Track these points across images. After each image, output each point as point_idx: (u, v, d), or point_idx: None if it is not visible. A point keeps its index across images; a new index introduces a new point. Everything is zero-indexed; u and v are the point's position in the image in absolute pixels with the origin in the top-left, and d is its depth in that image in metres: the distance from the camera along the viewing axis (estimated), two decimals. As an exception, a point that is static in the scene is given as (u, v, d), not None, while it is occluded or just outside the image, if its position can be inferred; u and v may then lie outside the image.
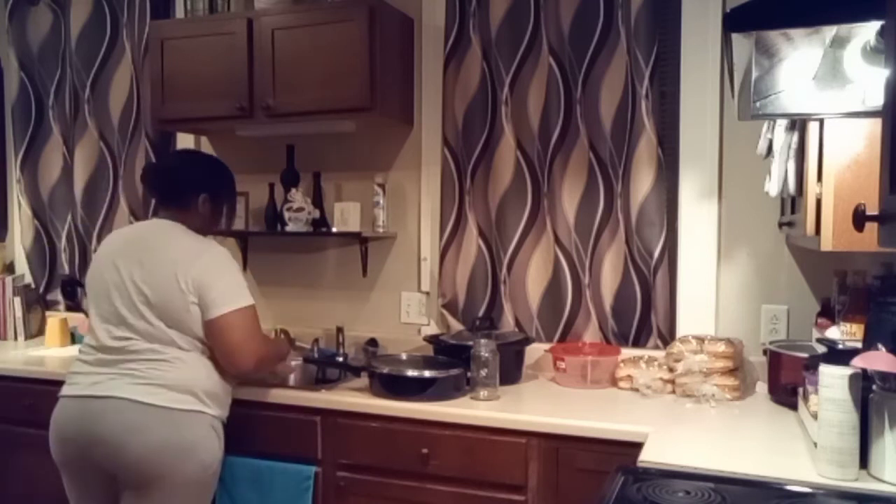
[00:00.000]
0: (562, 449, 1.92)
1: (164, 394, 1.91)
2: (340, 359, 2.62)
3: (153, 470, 1.88)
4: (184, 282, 1.93)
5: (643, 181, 2.37)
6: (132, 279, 1.96)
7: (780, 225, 2.11)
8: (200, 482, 1.97)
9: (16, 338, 3.12)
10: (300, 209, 2.65)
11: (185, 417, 1.92)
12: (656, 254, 2.37)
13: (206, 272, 1.95)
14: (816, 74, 1.42)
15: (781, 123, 1.78)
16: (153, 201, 2.13)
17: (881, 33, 1.24)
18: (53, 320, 2.97)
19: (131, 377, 1.92)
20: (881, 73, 1.19)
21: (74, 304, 3.18)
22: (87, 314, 2.15)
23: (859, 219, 1.02)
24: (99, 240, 3.11)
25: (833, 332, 1.87)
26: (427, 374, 2.13)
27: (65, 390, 2.00)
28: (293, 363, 2.49)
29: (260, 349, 2.01)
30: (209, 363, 2.00)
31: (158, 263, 1.96)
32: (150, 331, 1.94)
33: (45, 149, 3.25)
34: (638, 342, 2.45)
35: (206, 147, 3.02)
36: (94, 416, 1.91)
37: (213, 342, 1.97)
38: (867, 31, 1.31)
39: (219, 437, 2.02)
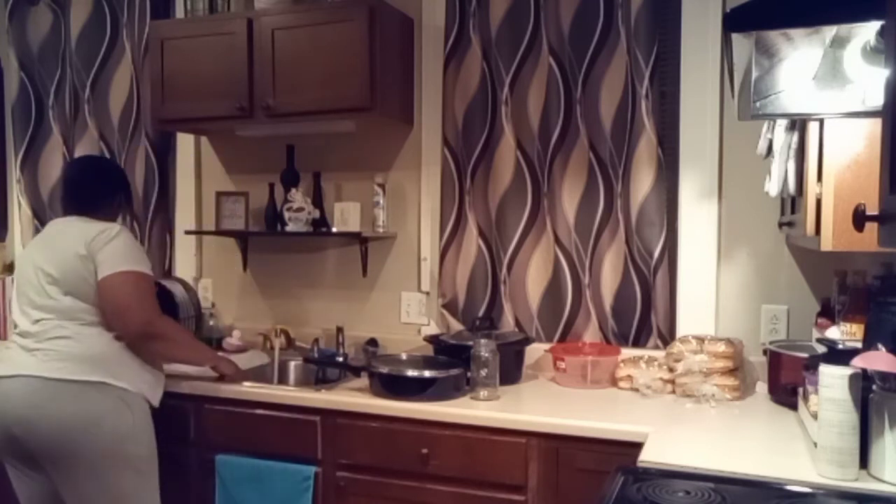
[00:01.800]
0: (562, 449, 1.92)
1: (68, 367, 1.98)
2: (340, 359, 2.62)
3: (64, 444, 1.95)
4: (84, 250, 2.04)
5: (643, 181, 2.37)
6: (38, 266, 2.08)
7: (780, 225, 2.11)
8: (119, 455, 2.01)
9: (16, 338, 3.12)
10: (300, 209, 2.65)
11: (89, 389, 1.98)
12: (656, 254, 2.37)
13: (102, 242, 2.06)
14: (816, 74, 1.42)
15: (781, 123, 1.78)
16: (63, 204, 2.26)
17: (881, 33, 1.24)
18: (53, 320, 2.97)
19: (37, 355, 2.01)
20: (881, 73, 1.19)
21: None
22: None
23: (859, 219, 1.02)
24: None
25: (833, 332, 1.87)
26: (427, 374, 2.13)
27: None
28: (232, 357, 2.47)
29: (148, 314, 2.06)
30: (113, 335, 2.06)
31: (61, 244, 2.08)
32: (59, 307, 2.04)
33: (45, 149, 3.25)
34: (638, 342, 2.45)
35: (206, 147, 3.02)
36: (3, 395, 1.99)
37: (102, 303, 2.04)
38: (867, 31, 1.31)
39: (131, 409, 2.04)
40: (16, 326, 2.12)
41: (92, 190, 2.23)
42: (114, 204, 2.26)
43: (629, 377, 2.26)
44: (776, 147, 1.80)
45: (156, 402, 2.14)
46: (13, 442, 1.99)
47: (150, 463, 2.10)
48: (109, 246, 2.06)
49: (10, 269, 3.34)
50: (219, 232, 2.85)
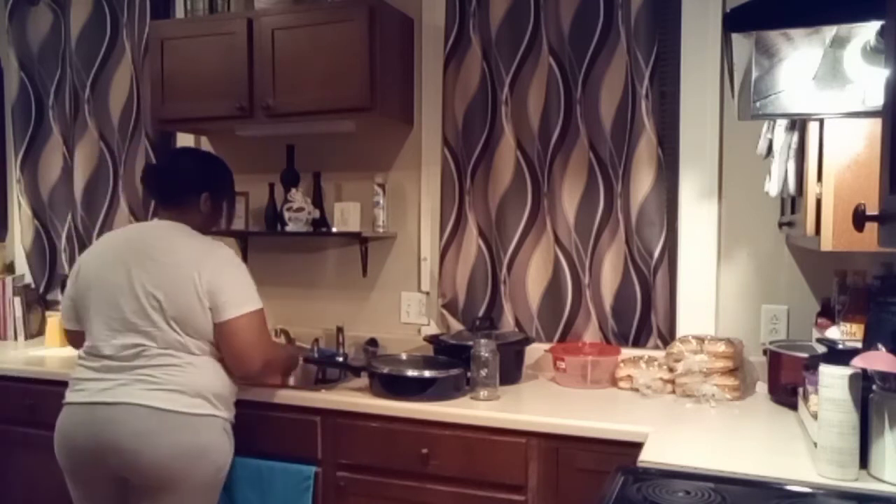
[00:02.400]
0: (562, 449, 1.92)
1: (178, 399, 1.90)
2: (340, 359, 2.62)
3: (169, 474, 1.88)
4: (196, 284, 1.91)
5: (643, 181, 2.37)
6: (142, 284, 1.93)
7: (780, 225, 2.11)
8: (212, 484, 1.98)
9: (16, 338, 3.12)
10: (300, 209, 2.65)
11: (198, 422, 1.92)
12: (656, 254, 2.37)
13: (217, 274, 1.94)
14: (816, 74, 1.42)
15: (781, 123, 1.78)
16: (153, 202, 2.10)
17: (881, 33, 1.24)
18: (53, 320, 2.97)
19: (143, 383, 1.90)
20: (881, 73, 1.19)
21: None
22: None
23: (859, 219, 1.02)
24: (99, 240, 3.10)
25: (833, 332, 1.87)
26: (427, 374, 2.13)
27: (70, 397, 1.97)
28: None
29: (267, 352, 2.02)
30: (219, 366, 2.00)
31: (168, 267, 1.94)
32: (162, 336, 1.92)
33: (45, 149, 3.25)
34: (638, 342, 2.45)
35: (206, 147, 3.01)
36: (105, 422, 1.88)
37: (223, 344, 1.96)
38: (867, 31, 1.31)
39: (230, 439, 2.03)
40: (96, 342, 1.95)
41: (172, 185, 2.08)
42: (200, 203, 2.09)
43: (629, 377, 2.26)
44: (776, 147, 1.80)
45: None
46: (103, 468, 1.90)
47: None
48: (227, 277, 1.94)
49: (10, 269, 3.35)
50: (219, 232, 2.85)
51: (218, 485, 2.01)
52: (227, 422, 2.03)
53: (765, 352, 2.15)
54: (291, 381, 2.62)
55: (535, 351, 2.47)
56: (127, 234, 2.11)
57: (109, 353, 1.94)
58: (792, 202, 1.99)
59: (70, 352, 2.83)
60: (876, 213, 1.01)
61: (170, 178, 2.12)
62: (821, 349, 1.85)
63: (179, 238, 2.01)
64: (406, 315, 2.75)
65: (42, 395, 2.48)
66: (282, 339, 2.66)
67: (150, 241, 2.01)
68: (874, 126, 1.48)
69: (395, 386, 2.14)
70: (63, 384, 2.03)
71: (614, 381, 2.30)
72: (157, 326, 1.92)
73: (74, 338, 2.12)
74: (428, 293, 2.71)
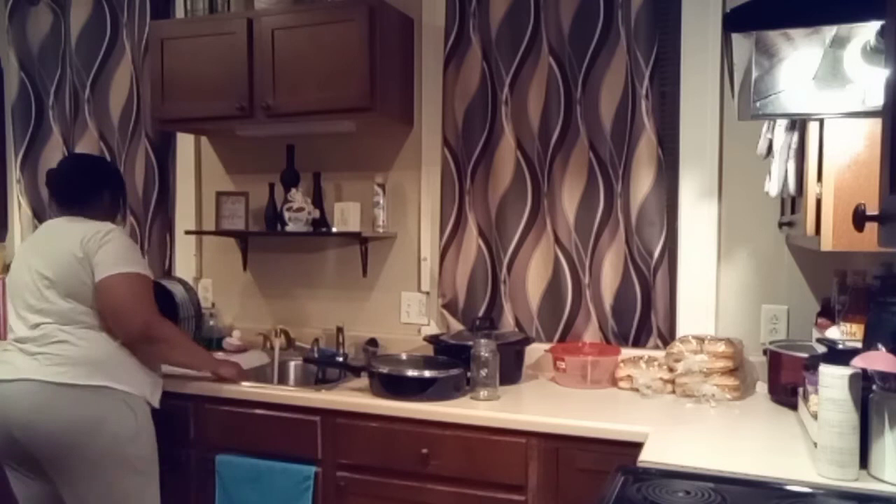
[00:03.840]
0: (562, 449, 1.92)
1: (70, 371, 1.98)
2: (340, 359, 2.62)
3: (66, 447, 1.95)
4: (81, 252, 2.02)
5: (643, 181, 2.37)
6: (35, 269, 2.06)
7: (780, 225, 2.11)
8: (120, 457, 2.01)
9: (16, 338, 3.12)
10: (300, 209, 2.65)
11: (90, 393, 1.98)
12: (656, 254, 2.37)
13: (98, 241, 2.04)
14: (816, 74, 1.42)
15: (781, 123, 1.77)
16: (55, 205, 2.25)
17: (881, 33, 1.24)
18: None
19: (38, 360, 2.00)
20: (881, 73, 1.20)
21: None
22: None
23: (859, 219, 1.02)
24: (99, 240, 3.11)
25: (833, 332, 1.87)
26: (427, 374, 2.13)
27: None
28: (232, 357, 2.47)
29: (146, 316, 2.05)
30: (113, 338, 2.06)
31: (57, 246, 2.06)
32: (52, 309, 2.03)
33: (45, 149, 3.25)
34: (638, 342, 2.45)
35: (206, 147, 3.02)
36: (4, 399, 1.98)
37: (100, 305, 2.03)
38: (867, 31, 1.31)
39: (134, 412, 2.05)
40: (12, 330, 2.10)
41: (79, 187, 2.20)
42: (104, 202, 2.22)
43: (629, 377, 2.26)
44: (776, 147, 1.80)
45: (156, 404, 2.14)
46: (14, 445, 1.99)
47: (151, 464, 2.10)
48: (106, 247, 2.04)
49: (9, 269, 3.34)
50: (219, 232, 2.85)
51: (129, 460, 2.03)
52: (131, 395, 2.05)
53: (765, 352, 2.15)
54: (291, 380, 2.63)
55: (535, 351, 2.47)
56: (32, 235, 2.24)
57: (17, 337, 2.07)
58: (792, 202, 1.99)
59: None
60: (876, 213, 1.01)
61: (71, 179, 2.22)
62: (821, 349, 1.84)
63: (70, 224, 2.12)
64: (406, 315, 2.75)
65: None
66: (282, 339, 2.66)
67: (45, 232, 2.16)
68: (874, 126, 1.48)
69: (395, 386, 2.14)
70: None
71: (614, 381, 2.30)
72: (52, 301, 2.03)
73: None
74: (428, 293, 2.71)
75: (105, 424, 1.98)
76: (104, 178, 2.26)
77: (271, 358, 2.66)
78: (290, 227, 2.67)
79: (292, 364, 2.66)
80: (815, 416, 1.60)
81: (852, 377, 1.43)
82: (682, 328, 2.38)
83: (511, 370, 2.30)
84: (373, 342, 2.66)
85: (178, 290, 2.73)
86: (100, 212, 2.20)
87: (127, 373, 2.05)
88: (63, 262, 2.03)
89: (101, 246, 2.03)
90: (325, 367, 2.64)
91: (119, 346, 2.06)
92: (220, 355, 2.45)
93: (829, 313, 2.03)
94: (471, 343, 2.19)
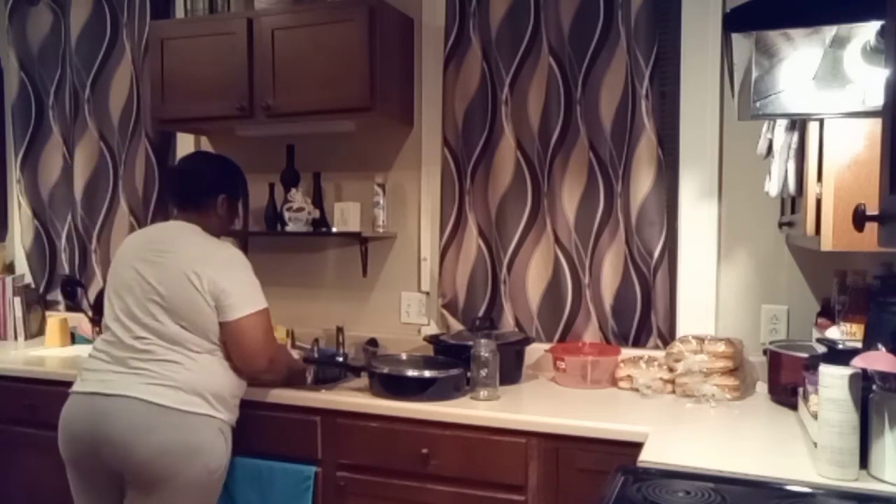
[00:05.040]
0: (562, 449, 1.92)
1: (174, 395, 1.91)
2: (340, 359, 2.61)
3: (158, 471, 1.88)
4: (199, 281, 1.94)
5: (643, 181, 2.37)
6: (146, 278, 1.98)
7: (780, 225, 2.11)
8: (205, 485, 1.97)
9: (16, 338, 3.12)
10: (300, 209, 2.65)
11: (193, 420, 1.92)
12: (656, 254, 2.37)
13: (222, 273, 1.96)
14: (816, 74, 1.42)
15: (781, 123, 1.77)
16: (170, 204, 2.16)
17: (881, 33, 1.24)
18: (53, 320, 2.97)
19: (142, 376, 1.92)
20: (881, 73, 1.19)
21: (74, 304, 3.18)
22: (88, 314, 2.11)
23: (859, 219, 1.02)
24: (99, 240, 3.11)
25: (833, 332, 1.87)
26: (427, 374, 2.13)
27: (75, 386, 2.01)
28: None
29: (271, 350, 2.04)
30: (220, 366, 2.00)
31: (173, 263, 1.97)
32: (165, 331, 1.95)
33: (45, 149, 3.25)
34: (638, 342, 2.45)
35: (206, 147, 3.01)
36: (102, 413, 1.90)
37: (231, 344, 1.98)
38: (867, 31, 1.31)
39: (226, 442, 2.02)
40: (108, 329, 2.01)
41: (191, 187, 2.11)
42: (217, 204, 2.12)
43: (629, 377, 2.26)
44: (776, 147, 1.80)
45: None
46: (99, 459, 1.92)
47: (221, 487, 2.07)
48: (232, 277, 1.96)
49: (10, 269, 3.35)
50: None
51: (212, 487, 2.00)
52: (225, 424, 2.02)
53: (765, 352, 2.15)
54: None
55: (535, 351, 2.47)
56: (146, 233, 2.17)
57: (119, 342, 1.97)
58: (792, 202, 1.99)
59: (69, 352, 2.84)
60: (876, 213, 1.01)
61: (189, 180, 2.15)
62: (821, 349, 1.84)
63: (187, 236, 2.05)
64: (406, 315, 2.75)
65: (42, 395, 2.48)
66: (288, 340, 2.66)
67: (162, 239, 2.06)
68: (874, 126, 1.48)
69: (395, 386, 2.14)
70: (63, 384, 2.04)
71: (614, 381, 2.30)
72: (160, 321, 1.95)
73: None
74: (428, 293, 2.71)
75: (201, 454, 1.93)
76: (220, 179, 2.15)
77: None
78: (290, 227, 2.67)
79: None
80: (815, 416, 1.60)
81: (852, 377, 1.43)
82: (682, 328, 2.38)
83: (511, 370, 2.30)
84: (373, 342, 2.66)
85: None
86: (214, 217, 2.12)
87: (226, 401, 2.02)
88: (177, 283, 1.94)
89: (224, 278, 1.95)
90: (325, 367, 2.64)
91: (227, 374, 2.01)
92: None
93: (829, 313, 2.03)
94: (471, 343, 2.19)
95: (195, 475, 1.92)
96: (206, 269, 1.95)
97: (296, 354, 2.63)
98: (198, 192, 2.12)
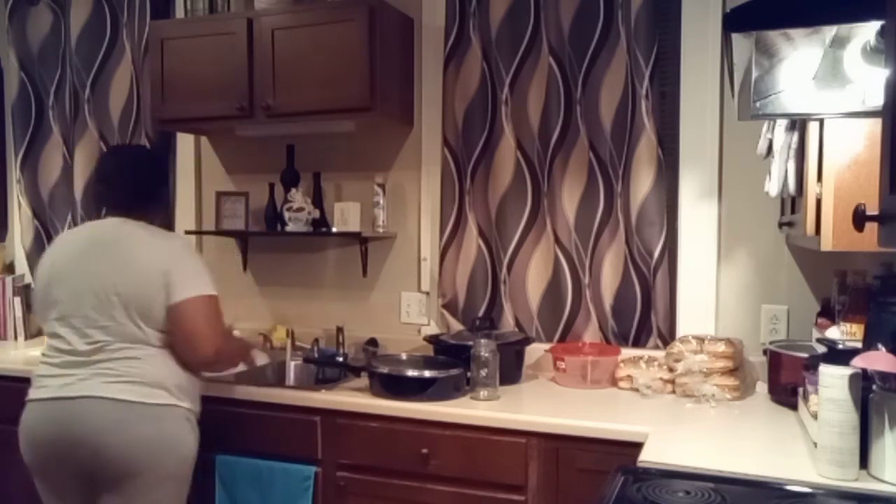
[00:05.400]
0: (562, 449, 1.92)
1: (139, 389, 1.92)
2: (340, 359, 2.62)
3: (134, 466, 1.90)
4: (151, 273, 1.93)
5: (643, 181, 2.37)
6: (102, 280, 1.93)
7: (780, 225, 2.11)
8: (179, 476, 1.99)
9: (16, 338, 3.11)
10: (300, 209, 2.65)
11: (161, 412, 1.94)
12: (656, 254, 2.37)
13: (170, 259, 1.96)
14: (816, 74, 1.42)
15: (781, 123, 1.78)
16: (103, 206, 2.13)
17: (881, 33, 1.24)
18: (53, 320, 2.97)
19: (104, 376, 1.92)
20: (881, 73, 1.20)
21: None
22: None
23: (859, 219, 1.02)
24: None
25: (833, 332, 1.87)
26: (427, 374, 2.13)
27: (33, 394, 1.98)
28: (259, 361, 2.47)
29: (219, 340, 2.00)
30: (178, 358, 2.02)
31: (129, 262, 1.95)
32: (121, 330, 1.93)
33: (45, 149, 3.25)
34: (638, 342, 2.45)
35: (206, 147, 3.02)
36: (69, 417, 1.90)
37: (174, 328, 1.95)
38: (867, 31, 1.31)
39: (193, 430, 2.03)
40: (60, 338, 1.96)
41: (138, 184, 2.08)
42: (163, 198, 2.13)
43: (629, 377, 2.26)
44: (776, 147, 1.80)
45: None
46: (69, 462, 1.91)
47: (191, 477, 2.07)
48: (180, 262, 1.96)
49: (10, 269, 3.35)
50: (219, 232, 2.85)
51: (184, 477, 2.01)
52: (191, 412, 2.02)
53: (765, 352, 2.15)
54: (291, 380, 2.62)
55: (535, 351, 2.47)
56: (90, 231, 2.08)
57: (70, 349, 1.95)
58: (792, 202, 1.99)
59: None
60: (876, 213, 1.01)
61: (129, 182, 2.10)
62: (821, 349, 1.84)
63: (134, 232, 2.01)
64: (406, 315, 2.75)
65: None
66: (287, 340, 2.66)
67: (105, 237, 2.01)
68: (874, 126, 1.48)
69: (395, 386, 2.14)
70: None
71: (614, 381, 2.30)
72: (117, 321, 1.93)
73: None
74: (428, 293, 2.71)
75: (174, 445, 1.94)
76: (162, 171, 2.15)
77: (271, 358, 2.66)
78: (290, 227, 2.67)
79: (292, 364, 2.66)
80: (815, 416, 1.60)
81: (852, 377, 1.43)
82: (682, 328, 2.38)
83: (511, 370, 2.30)
84: (373, 342, 2.66)
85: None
86: (160, 210, 2.11)
87: (188, 390, 2.01)
88: (135, 282, 1.92)
89: (171, 263, 1.94)
90: (325, 367, 2.64)
91: (181, 364, 2.00)
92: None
93: (829, 313, 2.03)
94: (471, 343, 2.19)
95: (170, 466, 1.94)
96: (157, 260, 1.94)
97: (296, 354, 2.63)
98: (141, 192, 2.09)
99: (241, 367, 2.31)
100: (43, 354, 2.03)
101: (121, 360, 1.93)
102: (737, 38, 1.43)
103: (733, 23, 1.39)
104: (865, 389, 1.46)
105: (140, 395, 1.91)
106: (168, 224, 2.15)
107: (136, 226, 2.04)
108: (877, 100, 1.33)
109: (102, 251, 1.98)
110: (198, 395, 2.08)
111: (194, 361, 2.00)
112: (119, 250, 1.97)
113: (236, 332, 2.75)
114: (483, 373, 2.11)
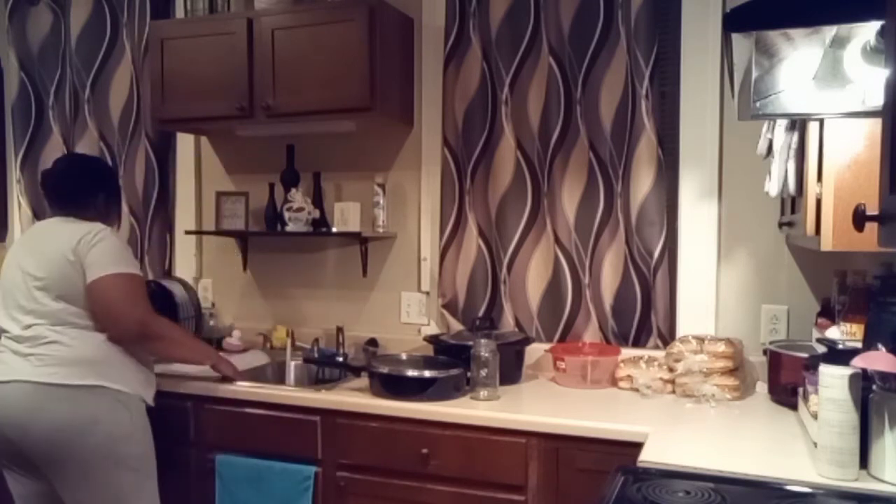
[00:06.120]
0: (562, 449, 1.93)
1: (63, 371, 1.98)
2: (340, 359, 2.62)
3: (59, 447, 1.96)
4: (71, 256, 2.02)
5: (643, 181, 2.37)
6: (26, 270, 2.07)
7: (780, 225, 2.11)
8: (115, 456, 2.01)
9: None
10: (300, 209, 2.65)
11: (83, 393, 1.99)
12: (656, 254, 2.37)
13: (87, 242, 2.04)
14: (816, 74, 1.42)
15: (781, 123, 1.77)
16: (49, 206, 2.24)
17: (881, 33, 1.24)
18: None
19: (30, 361, 2.00)
20: (881, 73, 1.20)
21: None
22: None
23: (859, 219, 1.02)
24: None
25: (833, 332, 1.87)
26: (427, 374, 2.13)
27: None
28: (232, 357, 2.46)
29: (140, 314, 2.06)
30: (105, 337, 2.07)
31: (49, 248, 2.06)
32: (46, 311, 2.03)
33: (45, 149, 3.25)
34: (638, 342, 2.45)
35: (206, 147, 3.02)
36: (1, 401, 1.99)
37: (93, 306, 2.04)
38: (867, 31, 1.31)
39: (129, 411, 2.05)
40: (5, 330, 2.10)
41: (73, 188, 2.19)
42: (97, 203, 2.21)
43: (629, 377, 2.26)
44: (776, 147, 1.80)
45: (150, 401, 2.14)
46: (9, 445, 2.00)
47: (148, 462, 2.10)
48: (96, 248, 2.04)
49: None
50: (219, 232, 2.86)
51: (123, 459, 2.03)
52: (126, 395, 2.05)
53: (765, 352, 2.15)
54: (291, 380, 2.62)
55: (535, 351, 2.47)
56: (31, 230, 2.24)
57: (13, 336, 2.06)
58: (792, 202, 1.99)
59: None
60: (876, 213, 1.00)
61: (69, 181, 2.21)
62: (821, 349, 1.84)
63: (62, 225, 2.12)
64: (406, 315, 2.75)
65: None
66: (287, 340, 2.66)
67: (37, 233, 2.17)
68: (874, 126, 1.48)
69: (395, 386, 2.13)
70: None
71: (614, 381, 2.30)
72: (43, 303, 2.03)
73: None
74: (428, 293, 2.71)
75: (99, 424, 1.99)
76: (99, 179, 2.26)
77: (271, 358, 2.66)
78: (290, 227, 2.67)
79: (292, 364, 2.66)
80: (815, 416, 1.60)
81: (852, 377, 1.43)
82: (682, 328, 2.38)
83: (511, 370, 2.30)
84: (373, 342, 2.66)
85: (177, 290, 2.74)
86: (94, 214, 2.19)
87: (120, 371, 2.06)
88: (54, 263, 2.04)
89: (91, 247, 2.04)
90: (325, 367, 2.64)
91: (112, 346, 2.06)
92: (220, 355, 2.44)
93: (829, 313, 2.03)
94: (471, 343, 2.19)
95: (95, 445, 1.98)
96: (79, 245, 2.03)
97: (296, 354, 2.63)
98: (77, 192, 2.19)
99: (206, 367, 2.32)
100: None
101: (48, 344, 2.01)
102: (737, 38, 1.43)
103: (733, 23, 1.39)
104: (865, 389, 1.46)
105: (62, 377, 1.98)
106: (112, 227, 2.22)
107: (64, 221, 2.14)
108: (877, 100, 1.33)
109: (30, 244, 2.14)
110: (142, 379, 2.11)
111: (118, 335, 2.06)
112: (40, 240, 2.12)
113: (236, 333, 2.76)
114: (483, 373, 2.11)
